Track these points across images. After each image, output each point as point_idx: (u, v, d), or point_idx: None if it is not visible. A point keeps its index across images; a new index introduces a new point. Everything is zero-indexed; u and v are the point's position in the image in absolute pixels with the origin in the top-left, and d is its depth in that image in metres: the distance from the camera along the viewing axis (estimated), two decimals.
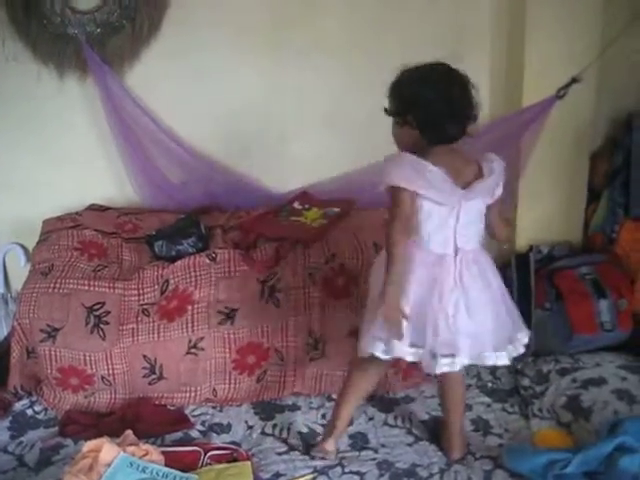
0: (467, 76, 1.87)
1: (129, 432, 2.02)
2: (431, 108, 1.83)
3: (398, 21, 2.73)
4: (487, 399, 2.40)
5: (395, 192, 1.80)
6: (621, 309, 2.52)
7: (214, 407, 2.40)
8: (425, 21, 2.77)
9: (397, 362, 2.41)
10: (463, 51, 2.81)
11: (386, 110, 1.92)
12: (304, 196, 2.76)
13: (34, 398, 2.42)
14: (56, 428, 2.29)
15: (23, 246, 2.91)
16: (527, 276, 2.69)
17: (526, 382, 2.42)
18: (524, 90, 2.70)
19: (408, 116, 1.86)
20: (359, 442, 2.19)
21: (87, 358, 2.32)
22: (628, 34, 2.62)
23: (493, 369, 2.56)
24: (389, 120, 2.91)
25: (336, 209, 2.66)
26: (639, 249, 2.65)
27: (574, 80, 2.64)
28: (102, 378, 2.34)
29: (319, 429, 2.25)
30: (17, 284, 2.88)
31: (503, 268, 2.86)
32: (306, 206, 2.70)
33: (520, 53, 2.68)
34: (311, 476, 2.02)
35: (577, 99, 2.67)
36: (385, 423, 2.28)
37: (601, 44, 2.65)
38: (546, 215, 2.85)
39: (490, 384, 2.49)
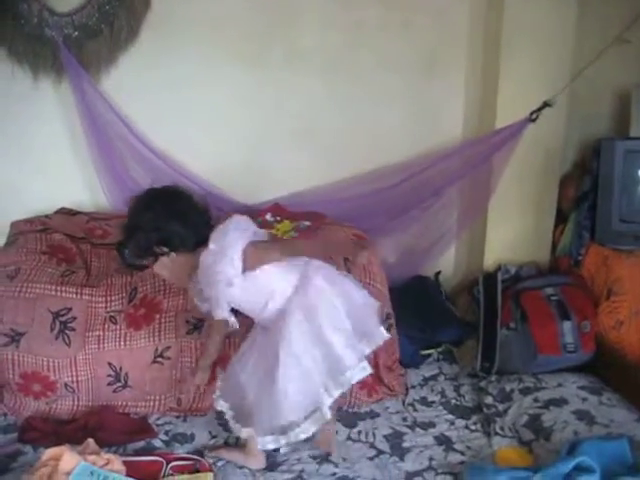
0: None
1: (90, 440, 1.99)
2: (172, 225, 1.97)
3: (373, 42, 2.77)
4: (450, 416, 2.41)
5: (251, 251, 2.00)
6: (584, 331, 2.56)
7: (178, 416, 2.39)
8: (401, 42, 2.82)
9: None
10: (438, 72, 2.88)
11: (137, 265, 2.07)
12: (276, 208, 2.76)
13: None
14: (15, 434, 2.25)
15: None
16: (494, 295, 2.73)
17: (489, 400, 2.44)
18: (497, 112, 2.75)
19: (169, 246, 1.98)
20: (320, 456, 2.19)
21: (51, 364, 2.29)
22: (598, 63, 2.68)
23: (458, 386, 2.59)
24: (360, 136, 2.96)
25: (307, 222, 2.67)
26: (603, 272, 2.70)
27: (546, 104, 2.70)
28: (65, 385, 2.31)
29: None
30: None
31: (470, 286, 2.93)
32: (278, 218, 2.70)
33: (495, 75, 2.73)
34: None
35: (548, 124, 2.73)
36: (348, 437, 2.28)
37: (573, 71, 2.72)
38: (514, 236, 2.90)
39: (454, 401, 2.51)
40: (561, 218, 2.95)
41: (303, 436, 1.95)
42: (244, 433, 2.06)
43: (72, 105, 2.69)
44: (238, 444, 2.20)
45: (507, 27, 2.67)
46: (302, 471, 2.11)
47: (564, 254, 2.90)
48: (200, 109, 2.78)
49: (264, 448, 2.00)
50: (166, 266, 2.02)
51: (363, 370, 1.97)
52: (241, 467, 2.12)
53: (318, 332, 1.95)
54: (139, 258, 2.00)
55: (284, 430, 1.94)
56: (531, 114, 2.71)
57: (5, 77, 2.65)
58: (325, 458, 2.17)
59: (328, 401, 1.95)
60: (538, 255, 2.95)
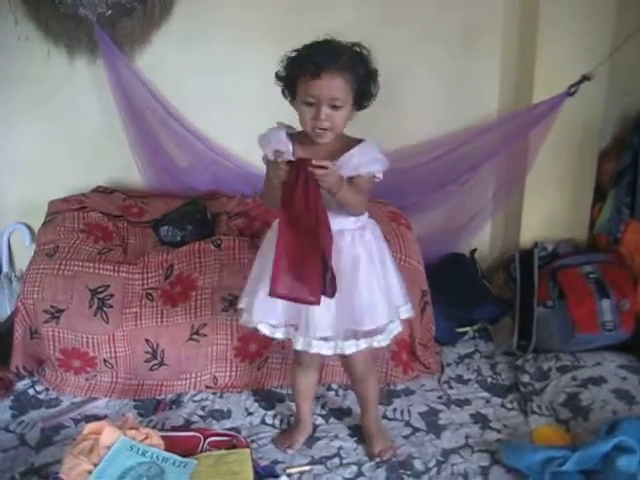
0: None
1: (129, 415, 2.03)
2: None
3: (410, 12, 2.72)
4: (486, 394, 2.40)
5: (372, 181, 1.83)
6: (624, 309, 2.51)
7: (214, 393, 2.41)
8: (437, 14, 2.76)
9: (398, 355, 2.44)
10: (474, 45, 2.82)
11: (370, 96, 1.82)
12: None
13: (35, 378, 2.44)
14: (57, 408, 2.32)
15: (28, 226, 2.93)
16: (530, 273, 2.70)
17: (526, 378, 2.42)
18: (535, 86, 2.70)
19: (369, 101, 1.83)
20: (357, 434, 2.20)
21: (90, 340, 2.33)
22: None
23: (494, 364, 2.57)
24: (395, 111, 2.88)
25: None
26: None
27: (585, 78, 2.64)
28: (104, 361, 2.35)
29: (319, 420, 2.27)
30: (21, 263, 2.89)
31: (507, 264, 2.89)
32: None
33: (532, 49, 2.67)
34: (308, 467, 2.04)
35: (587, 97, 2.67)
36: (384, 416, 2.28)
37: (613, 43, 2.64)
38: (552, 212, 2.85)
39: (490, 379, 2.50)
40: (600, 194, 2.89)
41: (384, 343, 1.91)
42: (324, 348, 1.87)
43: (107, 84, 2.71)
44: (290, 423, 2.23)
45: None
46: (340, 448, 2.13)
47: (603, 231, 2.85)
48: (235, 87, 2.76)
49: (343, 352, 1.88)
50: (345, 120, 1.79)
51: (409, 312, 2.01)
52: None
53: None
54: (360, 88, 1.77)
55: (367, 334, 1.88)
56: (569, 88, 2.66)
57: (41, 58, 2.69)
58: (362, 437, 2.17)
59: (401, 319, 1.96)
60: (576, 232, 2.89)
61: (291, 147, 1.81)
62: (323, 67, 1.70)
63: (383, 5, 2.75)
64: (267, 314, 1.87)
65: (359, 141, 1.82)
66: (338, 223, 1.81)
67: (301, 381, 2.12)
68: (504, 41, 2.84)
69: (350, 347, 1.88)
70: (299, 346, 1.86)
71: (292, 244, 1.72)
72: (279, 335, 1.90)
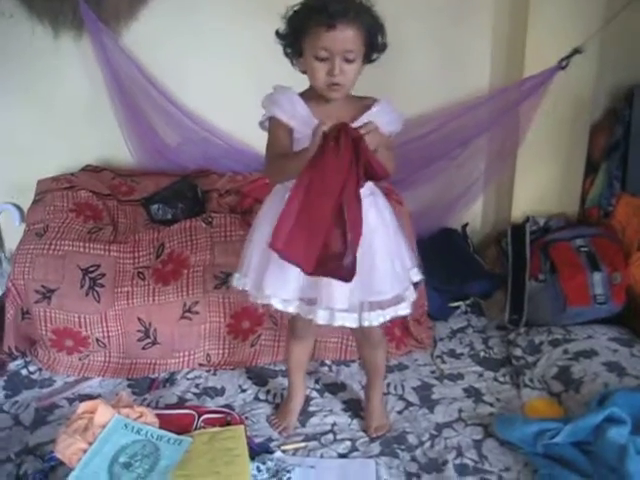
0: None
1: (123, 394, 2.03)
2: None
3: None
4: (479, 368, 2.41)
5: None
6: (615, 282, 2.52)
7: (208, 371, 2.41)
8: None
9: (391, 330, 2.45)
10: (465, 19, 2.79)
11: (380, 48, 1.76)
12: None
13: (28, 358, 2.44)
14: (50, 388, 2.31)
15: (18, 206, 2.90)
16: (522, 247, 2.71)
17: (518, 352, 2.44)
18: (526, 60, 2.68)
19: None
20: (351, 409, 2.21)
21: (82, 320, 2.32)
22: (631, 8, 2.59)
23: (486, 338, 2.59)
24: (384, 86, 2.86)
25: None
26: (635, 223, 2.65)
27: (576, 51, 2.62)
28: (97, 340, 2.34)
29: (313, 394, 2.28)
30: (11, 244, 2.88)
31: (498, 238, 2.90)
32: None
33: (523, 22, 2.65)
34: (303, 444, 2.05)
35: (579, 71, 2.65)
36: None
37: (605, 16, 2.62)
38: (543, 186, 2.85)
39: (482, 353, 2.51)
40: (591, 168, 2.89)
41: (408, 311, 1.87)
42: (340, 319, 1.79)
43: (94, 61, 2.68)
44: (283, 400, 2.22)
45: None
46: (334, 424, 2.14)
47: (594, 205, 2.85)
48: (224, 60, 2.72)
49: (371, 324, 1.82)
50: (357, 74, 1.73)
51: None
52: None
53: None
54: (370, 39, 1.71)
55: (391, 303, 1.83)
56: (560, 61, 2.64)
57: (26, 34, 2.64)
58: (356, 412, 2.19)
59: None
60: (567, 206, 2.89)
61: (307, 109, 1.74)
62: (338, 17, 1.61)
63: None
64: (279, 288, 1.79)
65: (373, 101, 1.79)
66: None
67: (297, 351, 2.11)
68: (495, 14, 2.81)
69: (377, 318, 1.81)
70: (321, 320, 1.77)
71: (306, 208, 1.59)
72: (292, 309, 1.81)
